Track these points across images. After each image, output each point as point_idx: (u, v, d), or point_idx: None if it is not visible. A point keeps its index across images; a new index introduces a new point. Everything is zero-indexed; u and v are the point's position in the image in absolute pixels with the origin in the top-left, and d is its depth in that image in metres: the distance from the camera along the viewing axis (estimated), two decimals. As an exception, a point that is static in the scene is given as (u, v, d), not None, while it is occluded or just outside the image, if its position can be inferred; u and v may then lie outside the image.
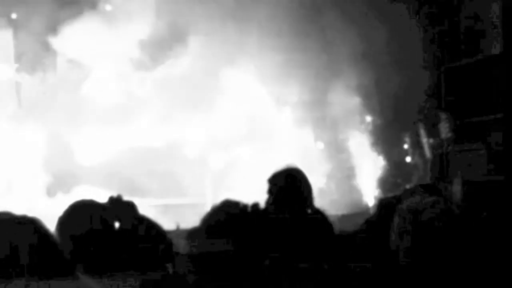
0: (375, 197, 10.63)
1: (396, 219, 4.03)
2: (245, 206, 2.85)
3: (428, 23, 9.93)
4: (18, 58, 9.78)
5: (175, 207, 9.17)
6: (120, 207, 3.94)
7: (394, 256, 3.97)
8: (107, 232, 3.65)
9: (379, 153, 11.74)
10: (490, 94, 8.26)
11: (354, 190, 11.00)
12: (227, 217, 2.86)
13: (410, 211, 4.01)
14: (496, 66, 8.14)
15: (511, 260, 4.07)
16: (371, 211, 8.62)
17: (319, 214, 5.03)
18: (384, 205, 5.36)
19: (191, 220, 4.11)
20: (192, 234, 3.09)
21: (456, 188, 4.27)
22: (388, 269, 4.00)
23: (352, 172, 11.06)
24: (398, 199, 5.18)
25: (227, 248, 2.68)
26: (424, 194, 4.44)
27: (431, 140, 9.92)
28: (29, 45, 9.57)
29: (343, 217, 8.54)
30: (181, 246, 2.82)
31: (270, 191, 4.81)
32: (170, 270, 3.25)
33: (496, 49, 8.25)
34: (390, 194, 7.26)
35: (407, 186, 11.86)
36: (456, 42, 9.27)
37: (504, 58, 8.05)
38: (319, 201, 4.98)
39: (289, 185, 4.70)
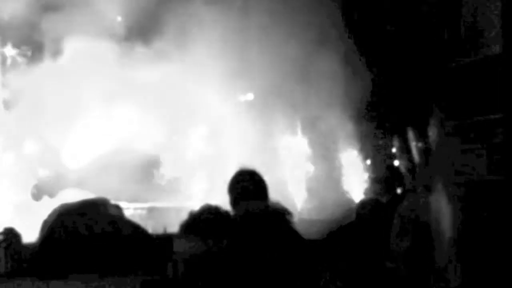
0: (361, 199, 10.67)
1: (397, 219, 3.96)
2: (226, 212, 2.75)
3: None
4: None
5: (162, 210, 9.07)
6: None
7: (388, 256, 3.91)
8: (94, 235, 3.59)
9: (366, 157, 11.75)
10: (490, 94, 8.28)
11: (341, 193, 11.03)
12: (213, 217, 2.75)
13: (411, 211, 3.95)
14: (496, 66, 8.19)
15: (510, 260, 4.02)
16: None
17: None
18: (363, 207, 5.29)
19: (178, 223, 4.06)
20: (184, 234, 2.99)
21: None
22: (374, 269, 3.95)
23: (339, 176, 11.09)
24: (383, 203, 5.11)
25: (222, 248, 2.57)
26: (425, 194, 4.38)
27: (419, 144, 9.88)
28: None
29: (331, 221, 8.46)
30: (179, 246, 2.73)
31: (233, 191, 4.57)
32: (170, 271, 3.19)
33: (496, 49, 8.27)
34: (373, 197, 7.22)
35: (399, 191, 11.90)
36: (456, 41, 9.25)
37: (504, 58, 8.10)
38: (309, 205, 4.84)
39: (260, 184, 4.52)
